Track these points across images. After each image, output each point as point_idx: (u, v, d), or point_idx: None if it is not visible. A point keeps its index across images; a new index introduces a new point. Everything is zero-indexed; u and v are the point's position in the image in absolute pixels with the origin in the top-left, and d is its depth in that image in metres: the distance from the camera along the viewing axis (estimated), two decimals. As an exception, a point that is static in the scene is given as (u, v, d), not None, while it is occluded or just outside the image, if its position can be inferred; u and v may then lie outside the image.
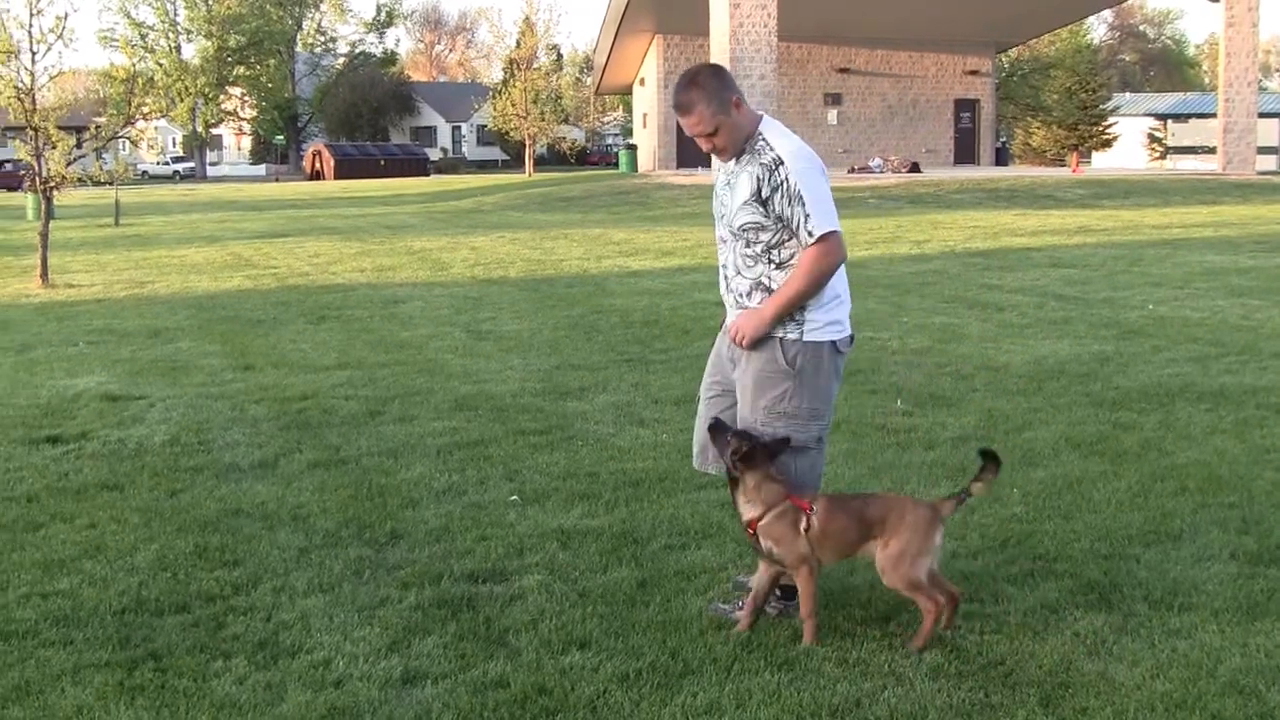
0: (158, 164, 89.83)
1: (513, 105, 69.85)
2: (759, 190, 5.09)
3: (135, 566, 6.01)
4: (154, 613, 5.43)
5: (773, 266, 5.18)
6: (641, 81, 59.73)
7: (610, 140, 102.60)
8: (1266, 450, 7.83)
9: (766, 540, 5.04)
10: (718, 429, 5.20)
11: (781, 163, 5.07)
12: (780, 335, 5.18)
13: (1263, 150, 50.58)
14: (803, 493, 5.08)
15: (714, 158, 5.48)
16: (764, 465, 5.05)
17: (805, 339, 5.17)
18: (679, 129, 52.17)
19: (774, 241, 5.15)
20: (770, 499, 5.02)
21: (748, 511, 5.08)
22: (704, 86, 5.08)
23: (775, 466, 5.09)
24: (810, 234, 5.05)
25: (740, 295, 5.28)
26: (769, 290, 5.18)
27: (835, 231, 5.07)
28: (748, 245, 5.20)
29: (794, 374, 5.17)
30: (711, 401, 5.49)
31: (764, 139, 5.16)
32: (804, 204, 5.03)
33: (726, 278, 5.36)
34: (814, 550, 4.98)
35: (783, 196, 5.06)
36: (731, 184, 5.23)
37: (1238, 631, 5.00)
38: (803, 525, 4.97)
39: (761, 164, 5.10)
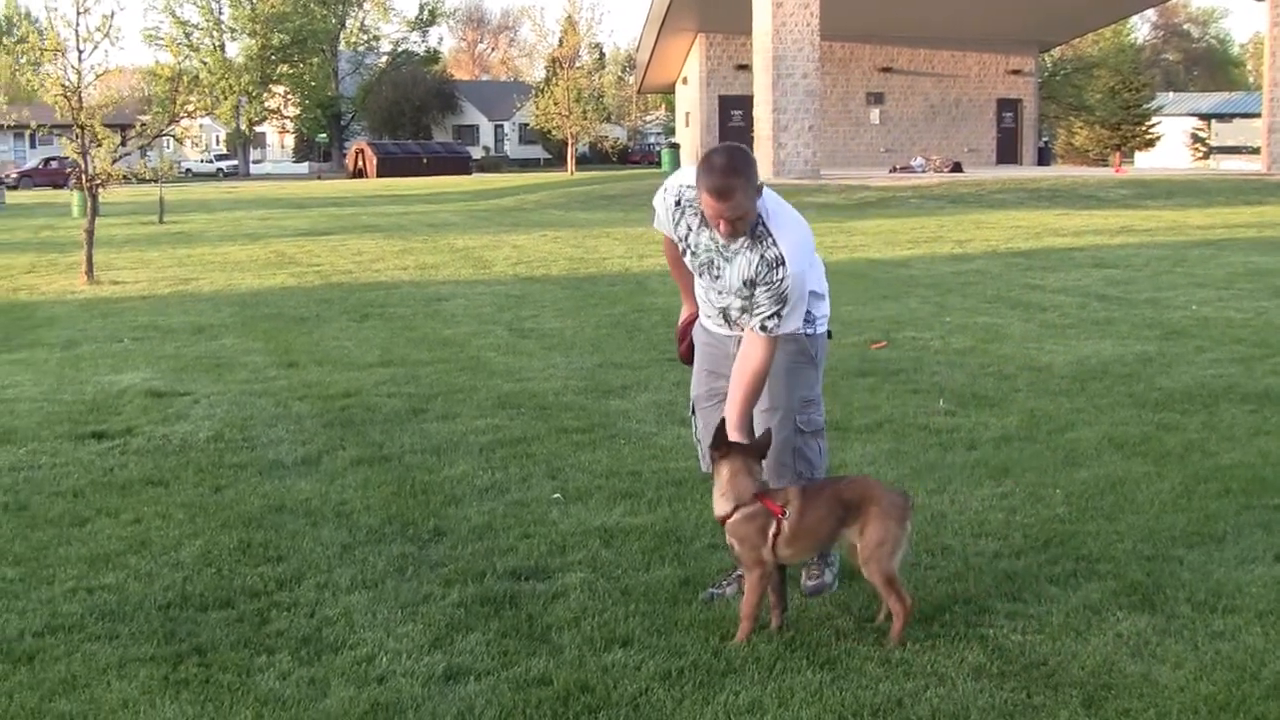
0: (201, 161, 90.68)
1: (555, 104, 70.02)
2: (753, 280, 5.13)
3: (180, 562, 6.06)
4: (198, 608, 5.47)
5: None
6: (684, 80, 59.66)
7: (652, 139, 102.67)
8: (1313, 452, 7.77)
9: (731, 538, 5.10)
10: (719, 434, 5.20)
11: (782, 263, 5.07)
12: (803, 331, 5.36)
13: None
14: (775, 495, 5.07)
15: (664, 216, 5.43)
16: (741, 457, 5.07)
17: (818, 332, 5.51)
18: (721, 125, 52.65)
19: None
20: (742, 495, 5.02)
21: (720, 507, 5.09)
22: (744, 174, 4.93)
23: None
24: (765, 329, 5.14)
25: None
26: None
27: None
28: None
29: (815, 363, 5.56)
30: (719, 407, 5.46)
31: (764, 225, 5.11)
32: (782, 305, 5.11)
33: (728, 316, 5.39)
34: (778, 555, 4.99)
35: (767, 291, 5.10)
36: (728, 258, 5.20)
37: (1283, 635, 4.97)
38: (772, 530, 4.99)
39: (764, 258, 5.09)
